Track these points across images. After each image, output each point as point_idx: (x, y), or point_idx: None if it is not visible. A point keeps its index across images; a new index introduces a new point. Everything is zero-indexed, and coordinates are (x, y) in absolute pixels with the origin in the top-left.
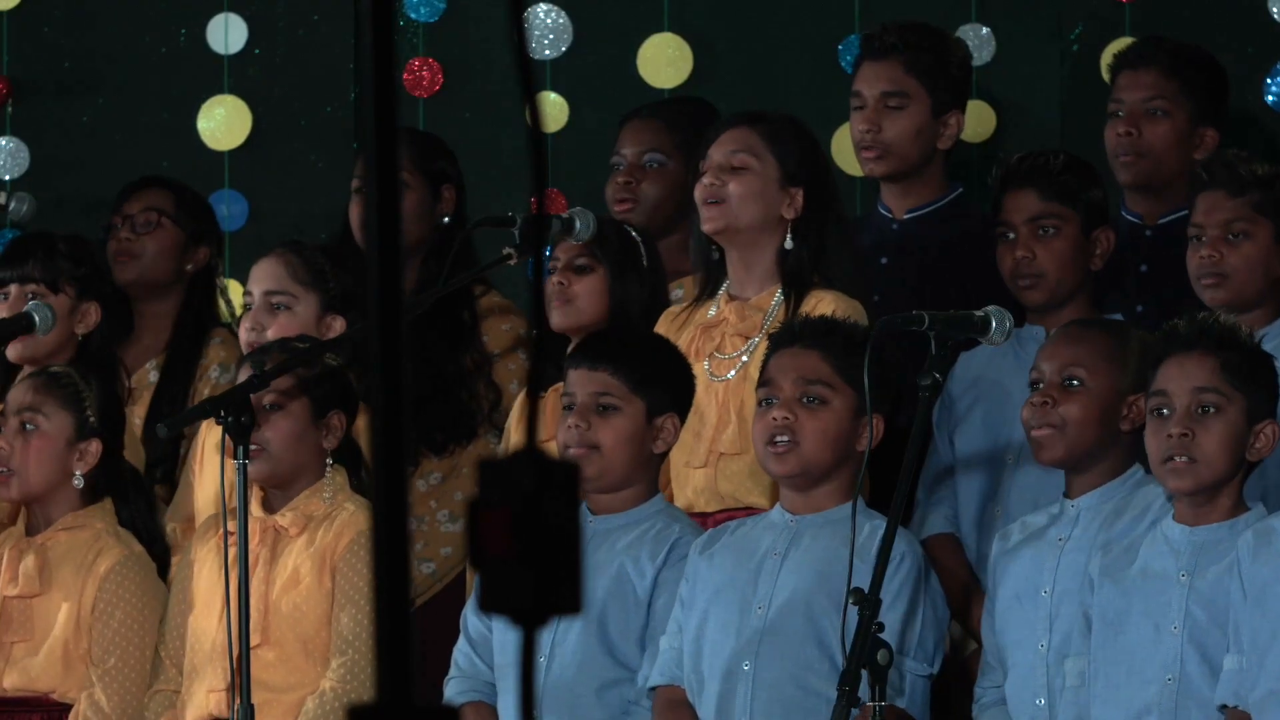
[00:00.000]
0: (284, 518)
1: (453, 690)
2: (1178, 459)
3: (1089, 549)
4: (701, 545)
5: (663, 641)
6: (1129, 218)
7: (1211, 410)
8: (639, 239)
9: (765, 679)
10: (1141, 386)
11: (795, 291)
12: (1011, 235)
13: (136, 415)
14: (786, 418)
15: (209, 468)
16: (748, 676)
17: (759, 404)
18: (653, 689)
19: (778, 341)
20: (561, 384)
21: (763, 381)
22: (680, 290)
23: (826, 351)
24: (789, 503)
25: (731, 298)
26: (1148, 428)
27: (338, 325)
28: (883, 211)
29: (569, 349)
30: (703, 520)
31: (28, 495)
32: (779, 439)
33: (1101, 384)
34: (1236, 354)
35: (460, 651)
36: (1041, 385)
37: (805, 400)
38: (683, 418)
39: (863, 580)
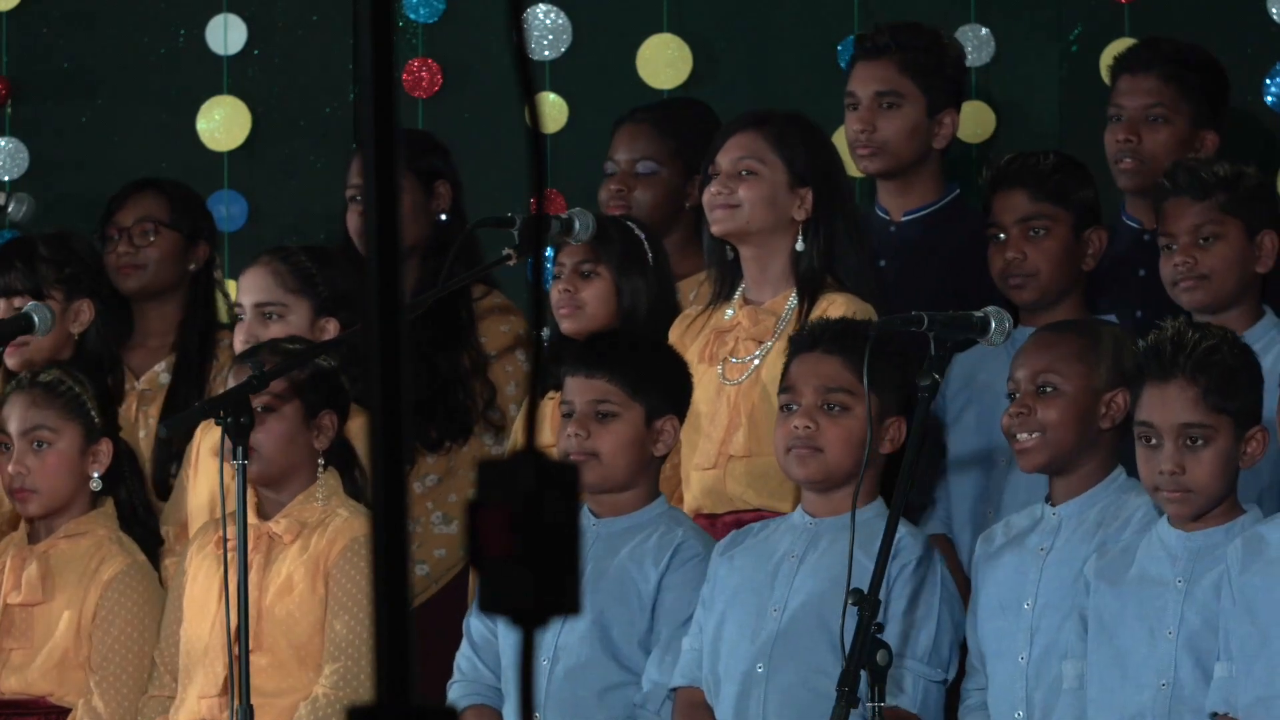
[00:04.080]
0: (278, 524)
1: (455, 694)
2: (1170, 492)
3: (1073, 560)
4: (724, 546)
5: (685, 642)
6: (1129, 223)
7: (1200, 442)
8: (642, 235)
9: (779, 682)
10: (1118, 382)
11: (809, 294)
12: (1002, 236)
13: (150, 416)
14: (808, 426)
15: (203, 472)
16: (761, 679)
17: (780, 409)
18: (673, 690)
19: (798, 345)
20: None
21: (784, 387)
22: (675, 295)
23: (847, 356)
24: (810, 505)
25: (746, 301)
26: (1138, 453)
27: (331, 328)
28: (880, 214)
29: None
30: (710, 522)
31: (49, 510)
32: (800, 449)
33: (1076, 386)
34: (1218, 374)
35: (463, 656)
36: (1018, 395)
37: (827, 408)
38: (681, 419)
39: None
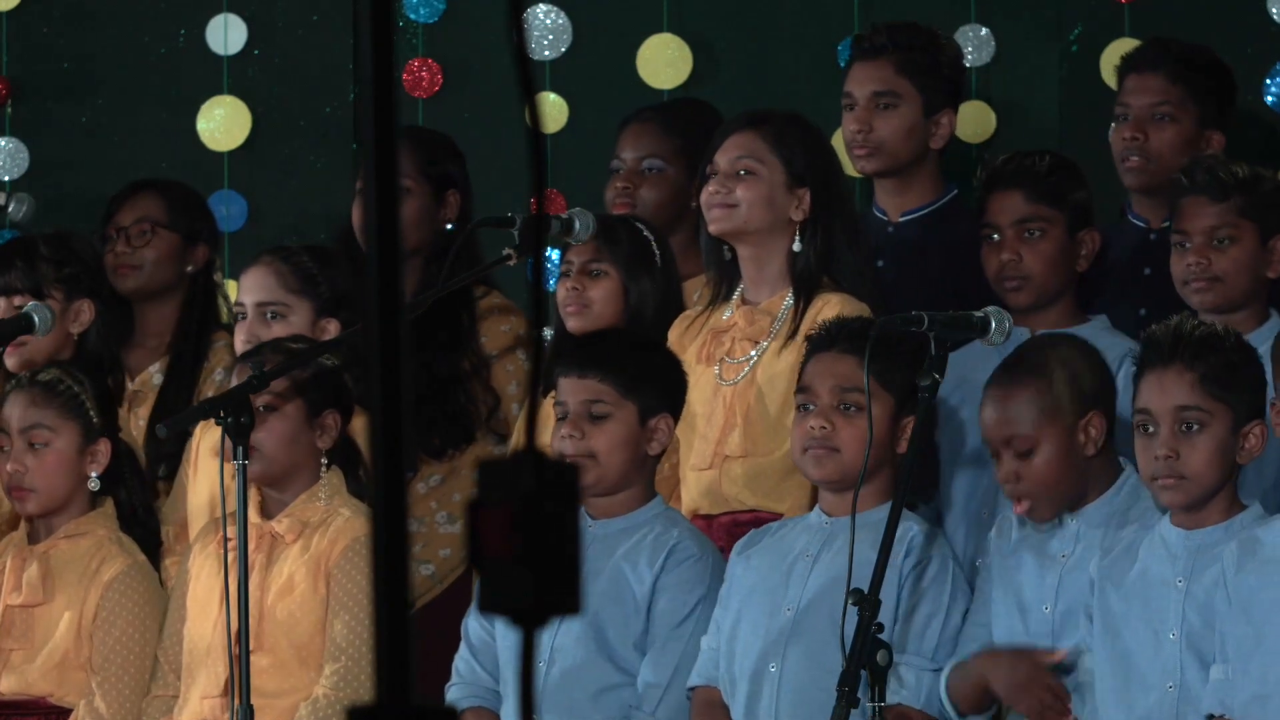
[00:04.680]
0: (280, 524)
1: (453, 696)
2: (1166, 479)
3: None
4: (741, 545)
5: (702, 641)
6: (1134, 221)
7: (1195, 428)
8: (650, 236)
9: (790, 680)
10: (1087, 405)
11: (805, 294)
12: (996, 237)
13: (140, 417)
14: (824, 427)
15: (203, 471)
16: (773, 678)
17: (797, 409)
18: (691, 689)
19: (816, 345)
20: None
21: (801, 387)
22: (682, 295)
23: (863, 357)
24: (827, 504)
25: (744, 301)
26: (1135, 442)
27: (332, 328)
28: (877, 214)
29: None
30: (706, 523)
31: (48, 510)
32: (816, 450)
33: (1046, 435)
34: (1216, 362)
35: (461, 658)
36: (997, 457)
37: (843, 408)
38: (676, 417)
39: (892, 582)
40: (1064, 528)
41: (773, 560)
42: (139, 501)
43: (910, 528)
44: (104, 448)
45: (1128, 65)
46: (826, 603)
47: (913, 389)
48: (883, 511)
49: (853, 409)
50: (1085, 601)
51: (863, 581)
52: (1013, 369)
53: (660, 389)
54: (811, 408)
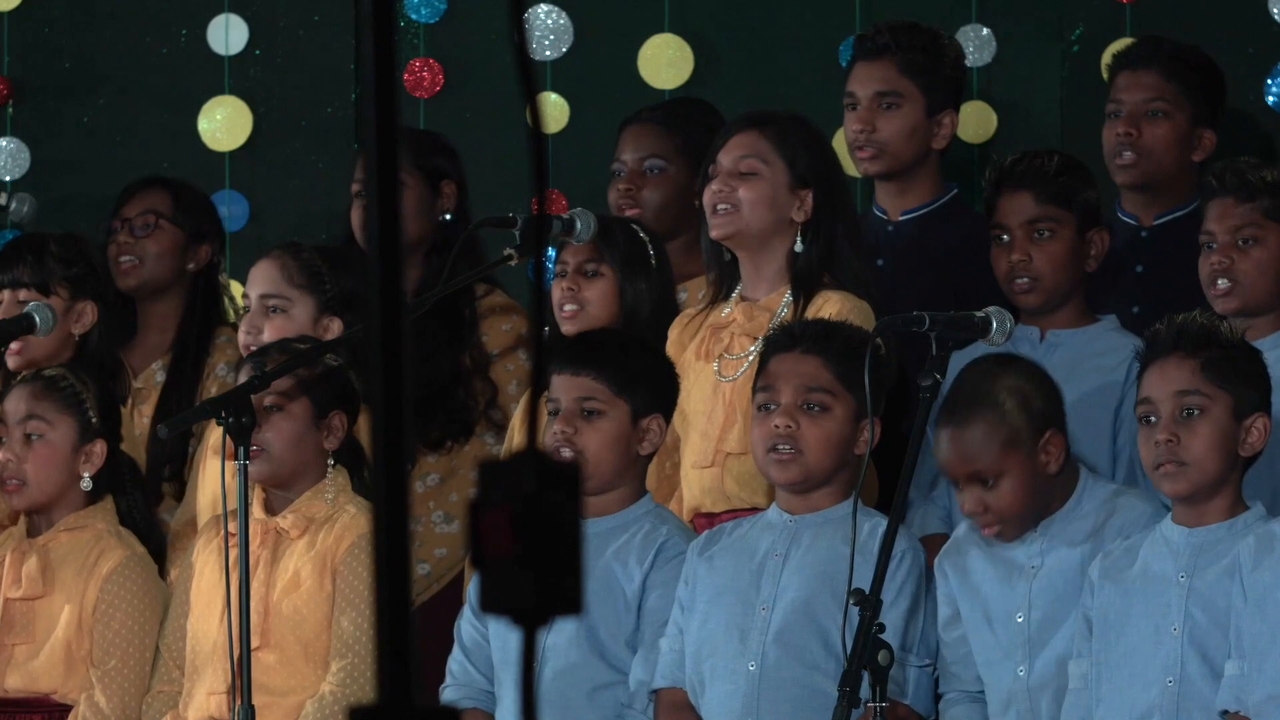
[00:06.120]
0: (285, 520)
1: (449, 698)
2: (1168, 465)
3: (1066, 570)
4: (700, 547)
5: (662, 644)
6: (1125, 218)
7: (1196, 413)
8: (646, 238)
9: (771, 680)
10: (1041, 426)
11: (804, 292)
12: (1006, 238)
13: (144, 415)
14: (789, 426)
15: (210, 469)
16: (753, 677)
17: (758, 408)
18: (654, 692)
19: (776, 345)
20: None
21: (762, 386)
22: (684, 294)
23: (827, 357)
24: (786, 503)
25: (743, 299)
26: (1139, 435)
27: (335, 327)
28: (878, 213)
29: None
30: (708, 520)
31: (37, 505)
32: (781, 447)
33: (1011, 465)
34: (1217, 352)
35: (454, 660)
36: (964, 489)
37: (807, 407)
38: (667, 418)
39: (865, 579)
40: (1027, 542)
41: (739, 560)
42: (139, 514)
43: (879, 524)
44: (100, 448)
45: (1120, 63)
46: (804, 600)
47: (873, 389)
48: (840, 510)
49: (817, 409)
50: (1059, 611)
51: (841, 579)
52: (963, 404)
53: (653, 389)
54: (774, 407)
